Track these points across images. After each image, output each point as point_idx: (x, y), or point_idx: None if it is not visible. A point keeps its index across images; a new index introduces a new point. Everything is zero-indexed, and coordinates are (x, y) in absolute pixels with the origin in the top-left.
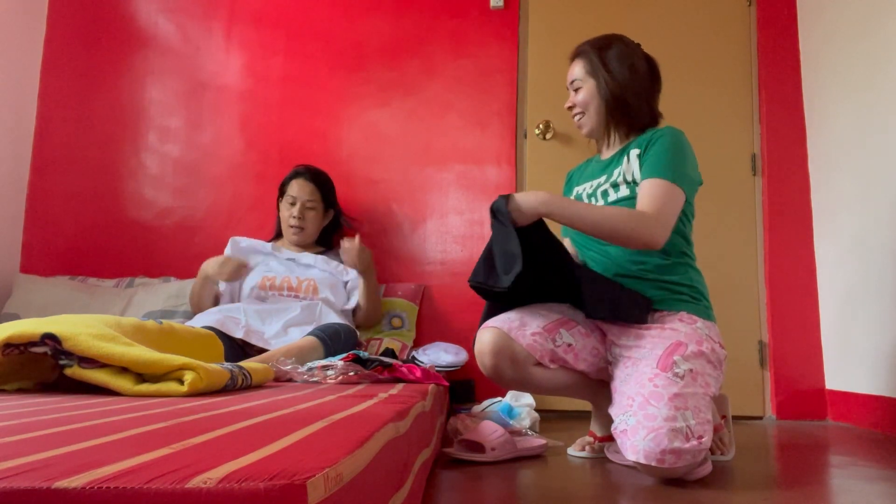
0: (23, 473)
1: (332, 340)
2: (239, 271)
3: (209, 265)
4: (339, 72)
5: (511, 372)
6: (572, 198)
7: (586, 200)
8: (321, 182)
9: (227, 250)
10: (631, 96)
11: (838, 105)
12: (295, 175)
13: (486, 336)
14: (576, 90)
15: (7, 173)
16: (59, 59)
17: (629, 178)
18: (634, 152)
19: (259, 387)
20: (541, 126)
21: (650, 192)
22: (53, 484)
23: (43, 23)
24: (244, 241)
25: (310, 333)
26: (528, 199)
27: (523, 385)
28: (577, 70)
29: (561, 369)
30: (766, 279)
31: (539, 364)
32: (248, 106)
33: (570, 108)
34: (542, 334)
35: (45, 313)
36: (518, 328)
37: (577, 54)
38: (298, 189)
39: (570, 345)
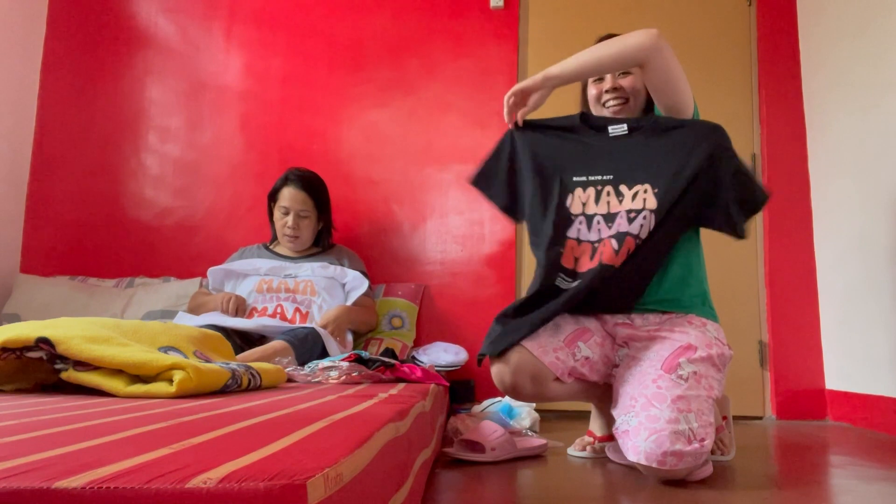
0: (23, 473)
1: (301, 344)
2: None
3: (220, 308)
4: (339, 72)
5: (530, 389)
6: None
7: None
8: (313, 189)
9: (210, 281)
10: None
11: (838, 105)
12: (286, 182)
13: (506, 353)
14: (623, 73)
15: (7, 173)
16: (59, 59)
17: None
18: None
19: (269, 388)
20: None
21: None
22: (53, 484)
23: (43, 23)
24: (220, 269)
25: (280, 337)
26: (535, 80)
27: (538, 399)
28: None
29: (575, 381)
30: (766, 279)
31: (556, 379)
32: (248, 106)
33: (613, 90)
34: (564, 349)
35: (45, 313)
36: (539, 346)
37: None
38: (291, 199)
39: (587, 358)
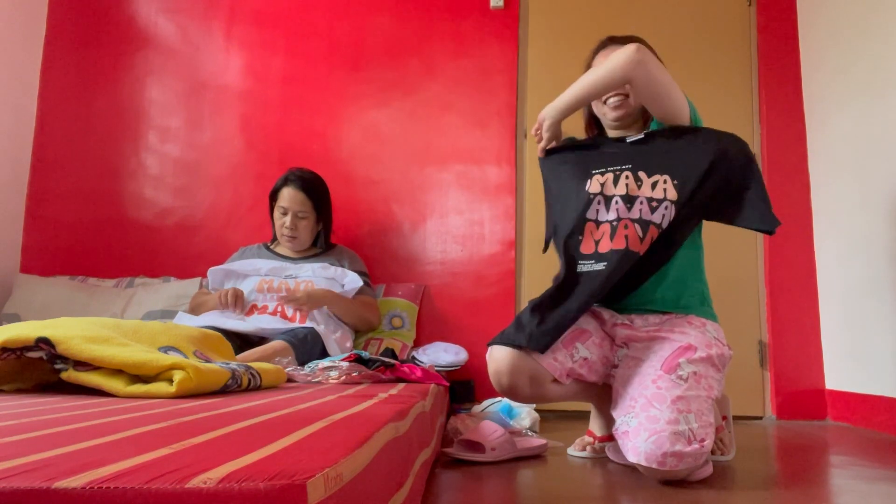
0: (23, 473)
1: (301, 344)
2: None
3: (218, 302)
4: (339, 72)
5: (528, 390)
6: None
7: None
8: (312, 190)
9: (210, 281)
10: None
11: (838, 105)
12: (286, 182)
13: (503, 354)
14: None
15: (7, 173)
16: (59, 59)
17: None
18: None
19: (269, 388)
20: None
21: None
22: (53, 484)
23: (43, 23)
24: (220, 269)
25: (280, 337)
26: (544, 115)
27: (536, 400)
28: None
29: (573, 382)
30: (766, 279)
31: (555, 380)
32: (248, 106)
33: None
34: (562, 350)
35: (45, 313)
36: None
37: (622, 42)
38: (289, 199)
39: (585, 359)
